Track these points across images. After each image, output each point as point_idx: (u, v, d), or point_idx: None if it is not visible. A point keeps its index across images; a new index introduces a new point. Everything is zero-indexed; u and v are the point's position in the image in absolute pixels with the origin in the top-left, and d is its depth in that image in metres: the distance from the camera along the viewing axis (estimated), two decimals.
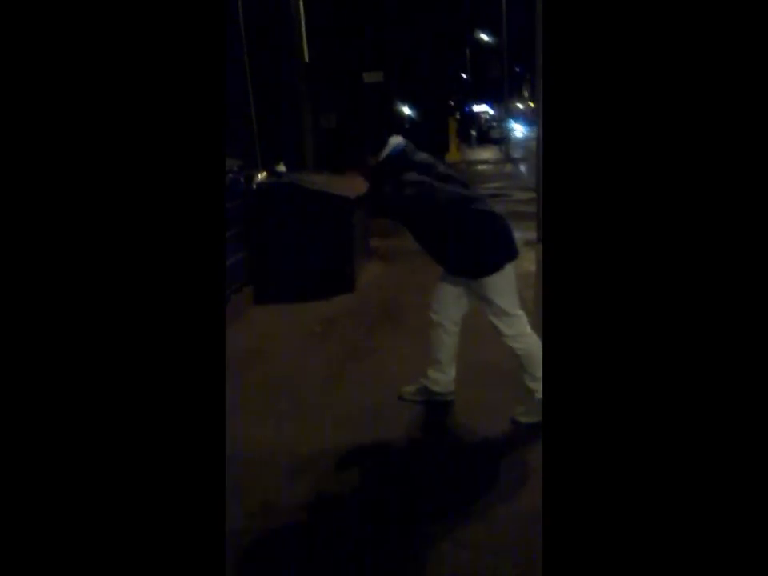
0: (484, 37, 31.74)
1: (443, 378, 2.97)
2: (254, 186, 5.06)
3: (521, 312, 2.75)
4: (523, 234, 7.03)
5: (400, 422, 2.88)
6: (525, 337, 2.72)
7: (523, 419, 2.76)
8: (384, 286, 5.31)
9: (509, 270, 2.67)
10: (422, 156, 2.68)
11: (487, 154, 24.28)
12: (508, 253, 2.69)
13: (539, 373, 2.69)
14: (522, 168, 17.42)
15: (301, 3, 7.43)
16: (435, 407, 2.98)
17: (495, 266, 2.64)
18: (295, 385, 3.36)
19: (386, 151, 2.63)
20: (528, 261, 5.89)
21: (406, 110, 17.22)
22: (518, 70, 43.42)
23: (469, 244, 2.62)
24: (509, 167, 18.29)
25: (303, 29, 7.50)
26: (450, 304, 2.84)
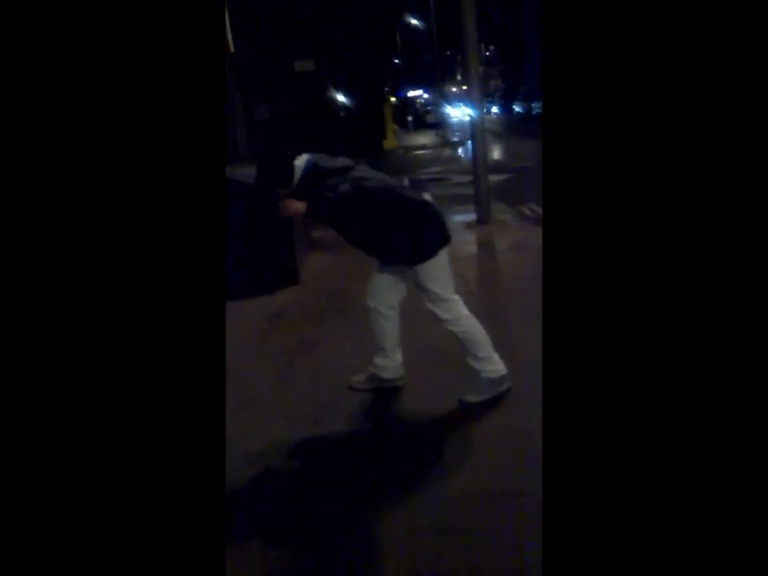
0: (413, 21, 31.79)
1: (390, 363, 2.98)
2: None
3: (456, 296, 2.79)
4: (464, 216, 7.12)
5: (352, 411, 2.87)
6: (462, 319, 2.76)
7: (471, 398, 2.80)
8: (329, 277, 5.27)
9: (442, 255, 2.70)
10: (336, 161, 2.72)
11: (425, 139, 24.41)
12: (440, 238, 2.71)
13: (482, 353, 2.76)
14: (460, 151, 17.60)
15: None
16: (385, 394, 2.98)
17: (428, 253, 2.66)
18: (243, 381, 3.29)
19: (297, 174, 2.66)
20: (469, 243, 5.97)
21: (340, 98, 17.08)
22: (448, 53, 43.70)
23: (400, 233, 2.65)
24: (446, 151, 18.45)
25: (226, 18, 7.29)
26: (386, 291, 2.85)
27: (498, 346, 2.82)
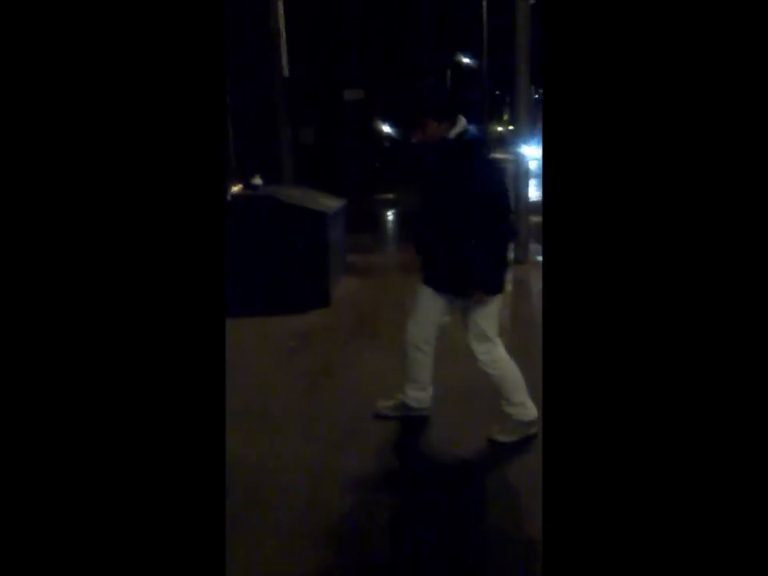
0: (465, 60, 32.29)
1: (423, 395, 2.91)
2: (229, 198, 5.00)
3: (498, 339, 2.71)
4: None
5: (373, 439, 2.81)
6: (500, 362, 2.68)
7: (501, 438, 2.72)
8: (359, 302, 5.26)
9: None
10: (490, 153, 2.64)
11: None
12: (506, 275, 2.65)
13: (515, 398, 2.67)
14: None
15: (281, 18, 7.43)
16: (408, 425, 2.92)
17: (500, 287, 2.57)
18: (267, 399, 3.27)
19: (457, 128, 2.49)
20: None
21: (386, 129, 17.32)
22: (497, 93, 44.15)
23: (489, 260, 2.50)
24: None
25: (284, 44, 7.49)
26: (430, 325, 2.75)
27: (528, 387, 2.75)
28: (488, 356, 2.65)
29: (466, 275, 2.52)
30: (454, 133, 2.48)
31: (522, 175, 6.78)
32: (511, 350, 2.81)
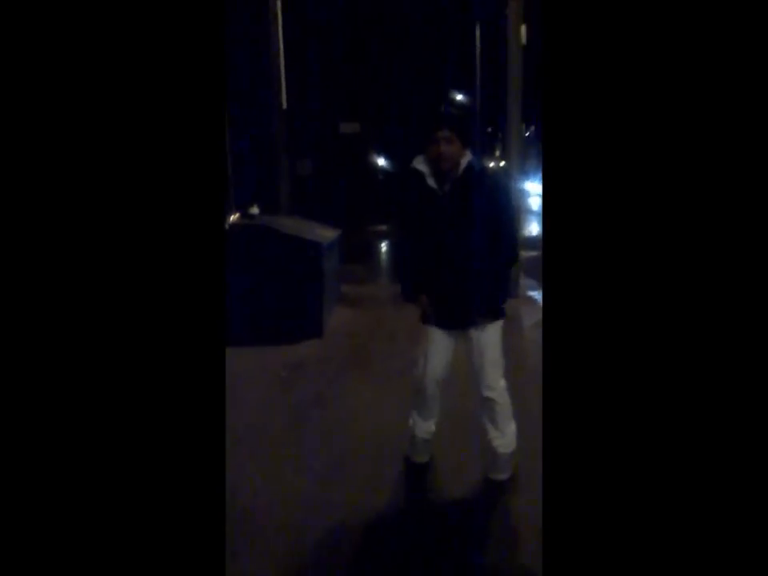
0: (459, 96, 32.90)
1: (432, 427, 2.80)
2: (226, 227, 5.05)
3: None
4: None
5: (362, 475, 2.80)
6: (504, 390, 2.64)
7: (499, 476, 2.69)
8: (353, 333, 5.27)
9: None
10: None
11: None
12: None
13: (507, 429, 2.65)
14: None
15: (281, 50, 7.60)
16: (398, 462, 2.91)
17: (504, 311, 2.60)
18: (257, 430, 3.25)
19: (467, 158, 2.46)
20: None
21: (381, 162, 17.56)
22: (489, 129, 44.86)
23: (498, 284, 2.55)
24: None
25: (283, 76, 7.65)
26: (441, 363, 2.65)
27: (517, 423, 2.76)
28: (501, 382, 2.61)
29: (484, 303, 2.51)
30: (465, 162, 2.47)
31: (525, 212, 6.89)
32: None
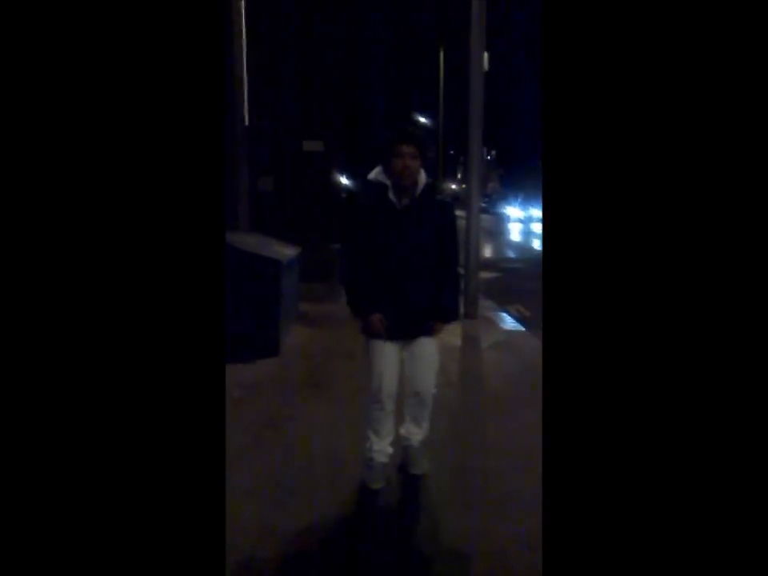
0: (421, 119, 33.45)
1: (388, 447, 2.84)
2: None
3: None
4: None
5: (315, 498, 2.73)
6: (433, 392, 2.83)
7: (420, 470, 2.88)
8: (310, 353, 5.20)
9: None
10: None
11: None
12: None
13: (425, 424, 2.87)
14: None
15: (244, 66, 7.58)
16: (352, 482, 2.86)
17: (458, 314, 2.86)
18: None
19: (423, 178, 2.62)
20: (454, 335, 5.98)
21: (344, 181, 17.60)
22: (451, 152, 45.67)
23: (456, 289, 2.78)
24: None
25: (246, 92, 7.61)
26: (393, 376, 2.72)
27: (475, 441, 2.75)
28: (434, 387, 2.81)
29: (435, 309, 2.67)
30: (423, 180, 2.60)
31: (473, 232, 6.96)
32: (454, 402, 2.82)
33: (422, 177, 2.58)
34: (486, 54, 6.80)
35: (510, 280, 10.69)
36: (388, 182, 2.57)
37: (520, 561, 2.20)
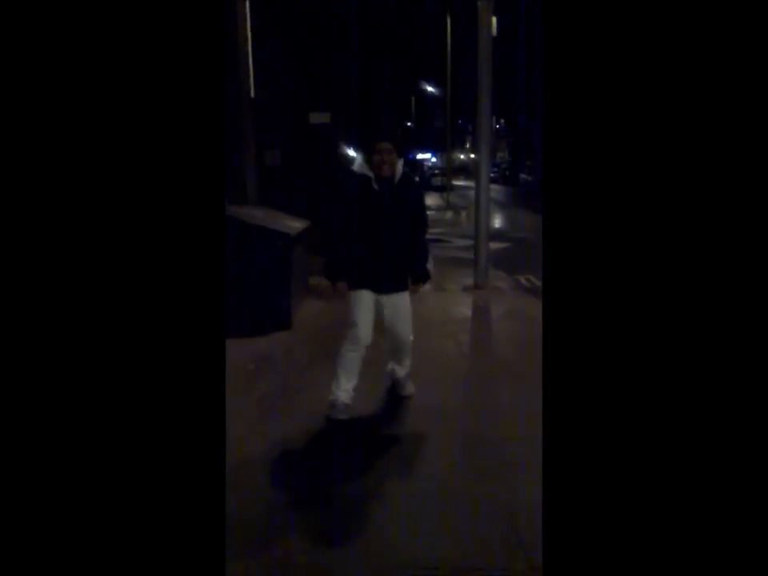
0: (429, 88, 32.97)
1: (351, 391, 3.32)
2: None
3: None
4: (461, 279, 7.16)
5: (323, 468, 2.79)
6: (410, 340, 3.43)
7: (409, 392, 3.52)
8: (321, 325, 5.24)
9: None
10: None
11: (430, 200, 24.85)
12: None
13: (406, 362, 3.50)
14: (463, 215, 17.89)
15: (249, 38, 7.48)
16: (360, 437, 2.91)
17: (429, 274, 3.42)
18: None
19: (400, 167, 3.14)
20: (465, 306, 5.99)
21: (351, 153, 17.46)
22: (460, 122, 45.07)
23: (426, 254, 3.36)
24: (450, 214, 18.75)
25: (251, 64, 7.52)
26: (370, 326, 3.24)
27: (486, 410, 2.78)
28: (411, 335, 3.41)
29: (412, 270, 3.31)
30: (401, 169, 3.16)
31: (483, 203, 6.91)
32: (466, 372, 2.84)
33: (399, 166, 3.12)
34: (494, 19, 6.67)
35: (519, 250, 10.65)
36: (371, 174, 3.08)
37: (528, 524, 2.24)
